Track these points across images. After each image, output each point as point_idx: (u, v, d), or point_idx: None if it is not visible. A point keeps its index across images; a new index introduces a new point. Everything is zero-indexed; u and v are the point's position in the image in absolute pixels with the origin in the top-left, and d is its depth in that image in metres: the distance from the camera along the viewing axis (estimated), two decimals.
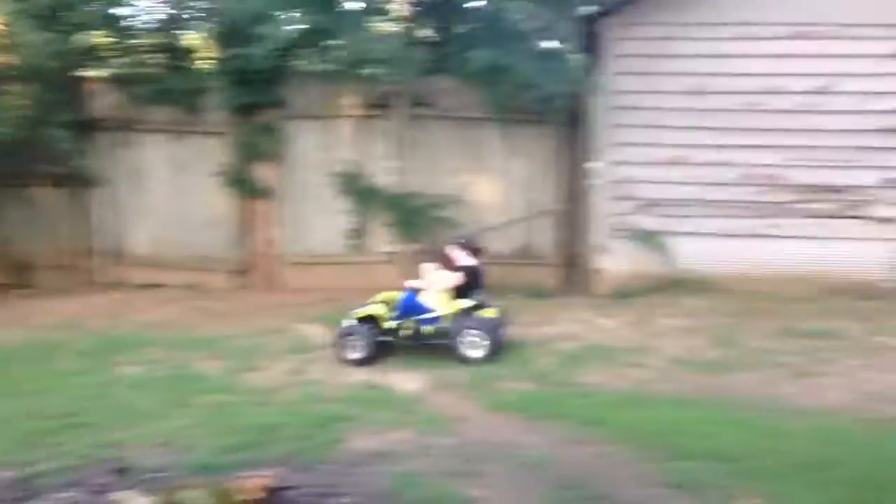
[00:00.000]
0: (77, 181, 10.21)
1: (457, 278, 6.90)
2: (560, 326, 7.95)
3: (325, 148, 10.00)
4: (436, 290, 6.85)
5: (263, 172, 10.01)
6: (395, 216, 9.70)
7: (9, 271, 10.56)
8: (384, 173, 9.85)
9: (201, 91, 9.85)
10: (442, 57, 9.15)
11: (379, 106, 9.75)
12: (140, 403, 5.75)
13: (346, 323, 6.84)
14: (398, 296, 6.94)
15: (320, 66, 9.57)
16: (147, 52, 9.82)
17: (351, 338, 6.70)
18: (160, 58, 9.85)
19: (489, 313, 6.90)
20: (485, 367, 6.50)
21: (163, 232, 10.40)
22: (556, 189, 9.86)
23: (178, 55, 9.94)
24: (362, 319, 6.80)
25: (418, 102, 9.65)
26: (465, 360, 6.55)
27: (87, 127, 10.02)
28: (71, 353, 7.30)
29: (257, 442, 4.82)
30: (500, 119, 9.54)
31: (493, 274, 9.37)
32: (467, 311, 6.79)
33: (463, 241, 7.32)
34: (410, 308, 6.85)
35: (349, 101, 9.79)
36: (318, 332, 7.94)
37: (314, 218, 10.06)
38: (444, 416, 5.38)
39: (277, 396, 5.93)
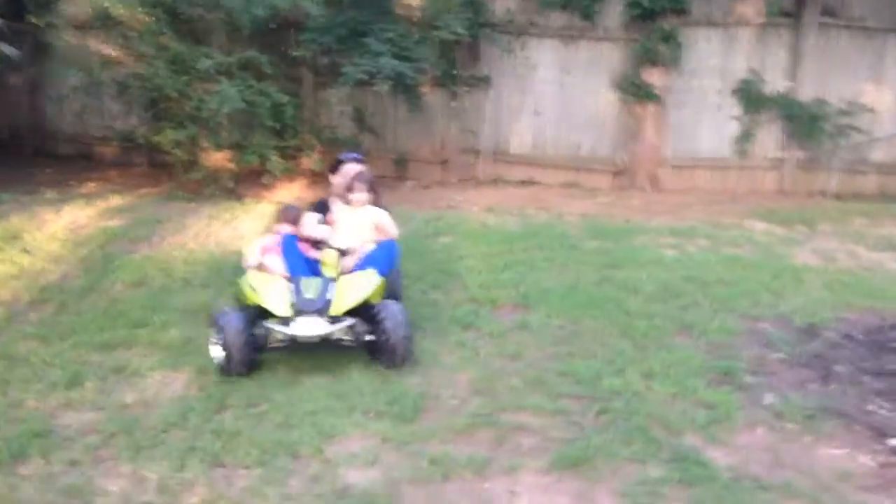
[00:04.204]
0: (464, 82, 11.35)
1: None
2: None
3: (721, 55, 10.87)
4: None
5: (653, 77, 10.86)
6: (791, 123, 10.52)
7: (389, 165, 11.69)
8: (782, 81, 10.65)
9: None
10: None
11: (785, 14, 10.48)
12: (749, 276, 6.86)
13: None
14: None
15: None
16: None
17: None
18: None
19: None
20: None
21: (544, 132, 11.44)
22: None
23: None
24: None
25: (826, 11, 10.36)
26: None
27: (484, 29, 10.89)
28: (580, 235, 8.45)
29: None
30: None
31: (875, 182, 10.27)
32: None
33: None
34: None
35: (754, 9, 10.51)
36: (767, 227, 8.89)
37: (698, 122, 11.12)
38: None
39: (856, 278, 6.99)
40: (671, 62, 10.91)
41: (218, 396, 4.33)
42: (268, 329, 4.69)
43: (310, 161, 11.30)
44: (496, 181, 11.69)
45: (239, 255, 7.01)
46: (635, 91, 11.02)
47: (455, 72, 11.23)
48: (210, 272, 6.63)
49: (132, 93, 10.54)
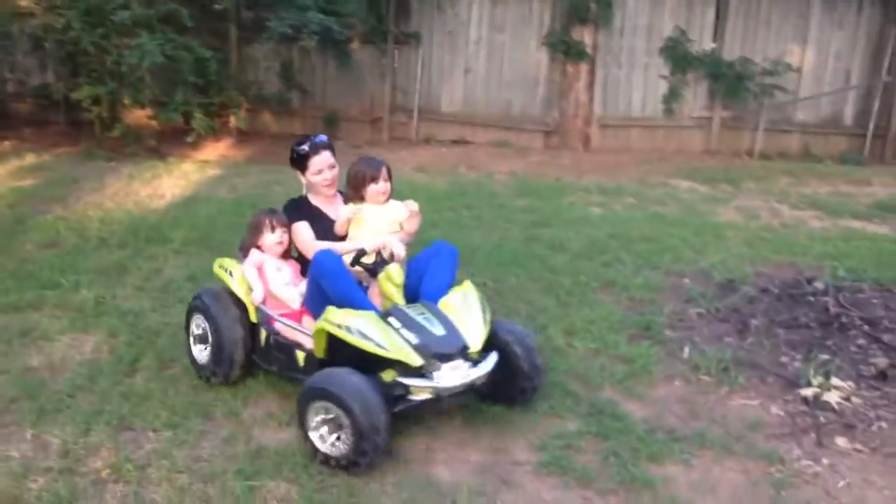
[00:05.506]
0: (394, 38, 11.27)
1: None
2: None
3: (649, 14, 10.88)
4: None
5: (583, 36, 10.86)
6: (717, 82, 10.65)
7: (318, 123, 11.52)
8: (708, 40, 10.74)
9: None
10: None
11: None
12: (672, 233, 6.93)
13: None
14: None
15: None
16: None
17: None
18: None
19: None
20: None
21: (475, 91, 11.37)
22: (871, 62, 10.82)
23: None
24: None
25: None
26: None
27: None
28: (509, 194, 8.44)
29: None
30: None
31: (798, 142, 10.50)
32: None
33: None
34: None
35: None
36: (692, 185, 9.01)
37: (628, 81, 11.16)
38: None
39: (776, 234, 7.13)
40: (601, 20, 10.89)
41: (128, 359, 4.19)
42: (398, 387, 3.32)
43: (236, 119, 11.04)
44: (428, 140, 11.61)
45: (158, 213, 6.86)
46: (565, 49, 11.01)
47: (385, 28, 11.06)
48: (127, 232, 6.43)
49: (47, 46, 10.11)
